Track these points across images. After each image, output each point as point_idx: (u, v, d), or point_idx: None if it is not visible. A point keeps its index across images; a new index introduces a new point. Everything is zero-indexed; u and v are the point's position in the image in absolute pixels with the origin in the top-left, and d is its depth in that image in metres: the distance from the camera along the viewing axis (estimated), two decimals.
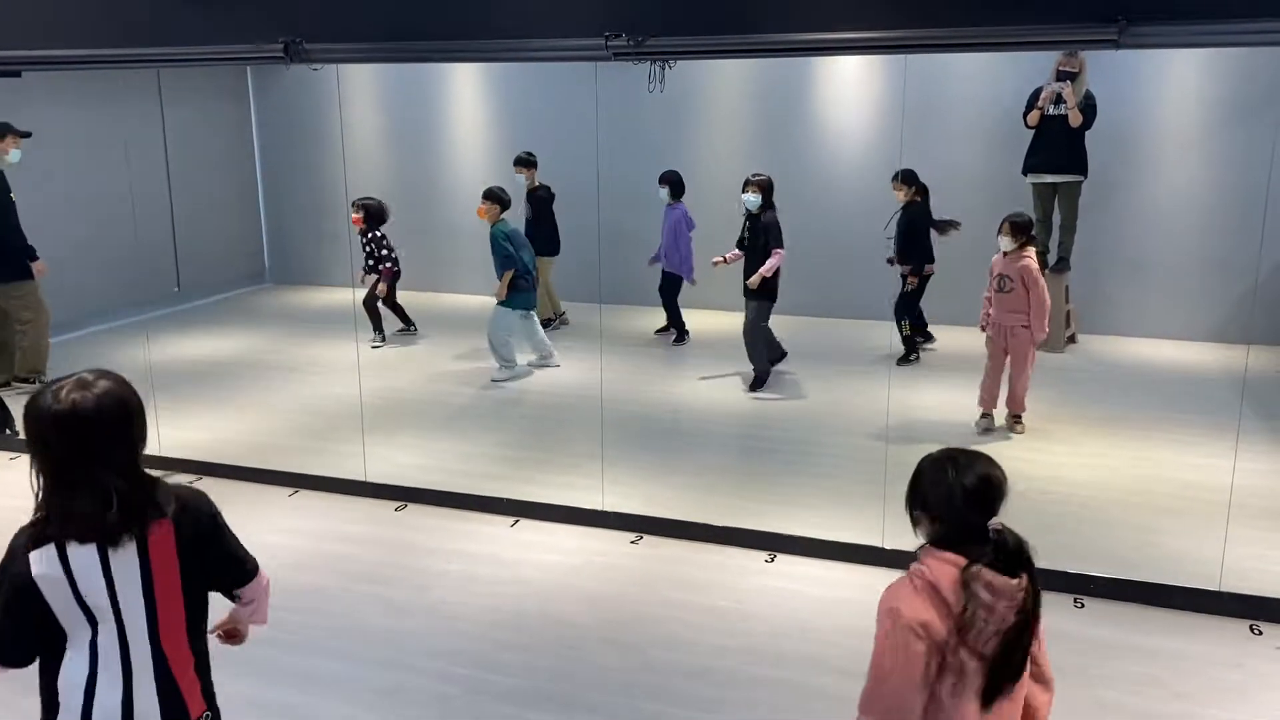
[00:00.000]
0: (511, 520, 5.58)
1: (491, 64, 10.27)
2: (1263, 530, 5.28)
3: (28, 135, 7.67)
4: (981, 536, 2.33)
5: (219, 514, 2.45)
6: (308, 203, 11.46)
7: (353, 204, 9.04)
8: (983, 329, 6.85)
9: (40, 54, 5.94)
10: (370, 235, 9.09)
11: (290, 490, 5.99)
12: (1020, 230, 6.55)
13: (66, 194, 9.26)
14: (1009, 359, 6.73)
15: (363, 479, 5.99)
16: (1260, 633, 4.44)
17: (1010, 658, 2.31)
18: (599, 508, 5.54)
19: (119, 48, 5.74)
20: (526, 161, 9.31)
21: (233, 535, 2.48)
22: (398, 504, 5.81)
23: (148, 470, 2.34)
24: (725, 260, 7.87)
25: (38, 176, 8.54)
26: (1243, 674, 4.14)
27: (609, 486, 5.66)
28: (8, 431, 6.81)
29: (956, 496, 2.31)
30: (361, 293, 9.14)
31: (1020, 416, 6.81)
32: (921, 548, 2.40)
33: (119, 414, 2.25)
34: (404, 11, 5.23)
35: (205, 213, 10.38)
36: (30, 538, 2.23)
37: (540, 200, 9.30)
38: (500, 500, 5.70)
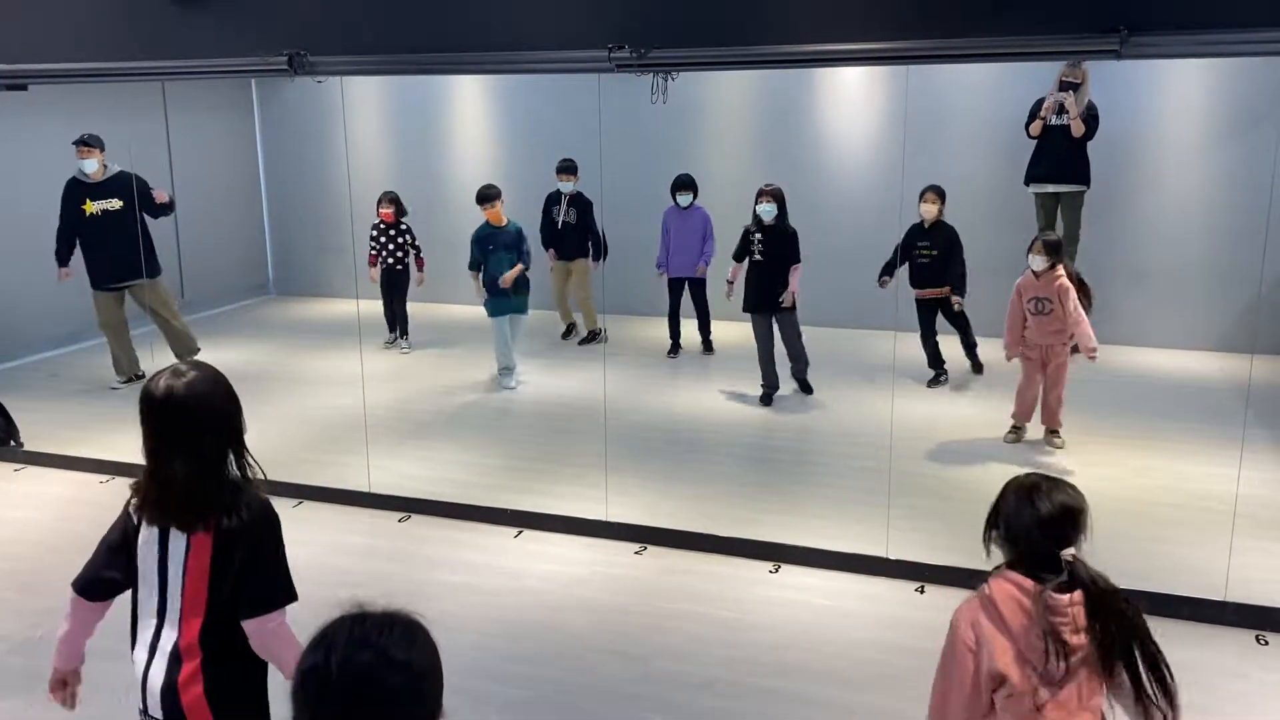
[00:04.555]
0: (515, 531, 5.58)
1: (496, 75, 10.30)
2: (1268, 540, 5.26)
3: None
4: (1054, 565, 2.37)
5: (268, 537, 2.51)
6: (312, 214, 11.47)
7: (381, 198, 9.19)
8: (1010, 359, 6.72)
9: (46, 67, 5.96)
10: (401, 227, 9.26)
11: (294, 501, 5.98)
12: (1054, 250, 6.42)
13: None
14: (1046, 374, 6.60)
15: (367, 490, 6.00)
16: (1266, 643, 4.42)
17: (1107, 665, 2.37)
18: (603, 518, 5.54)
19: (124, 61, 5.77)
20: (573, 169, 9.26)
21: (273, 566, 2.52)
22: (401, 515, 5.81)
23: (248, 462, 2.53)
24: (732, 281, 7.77)
25: (43, 189, 8.56)
26: (1248, 684, 4.13)
27: (613, 497, 5.66)
28: (12, 443, 6.82)
29: (1032, 524, 2.38)
30: (365, 298, 9.15)
31: (1058, 430, 6.69)
32: (996, 568, 2.46)
33: (198, 405, 2.48)
34: (407, 23, 5.25)
35: (209, 224, 10.40)
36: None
37: (583, 204, 9.30)
38: (504, 511, 5.70)
